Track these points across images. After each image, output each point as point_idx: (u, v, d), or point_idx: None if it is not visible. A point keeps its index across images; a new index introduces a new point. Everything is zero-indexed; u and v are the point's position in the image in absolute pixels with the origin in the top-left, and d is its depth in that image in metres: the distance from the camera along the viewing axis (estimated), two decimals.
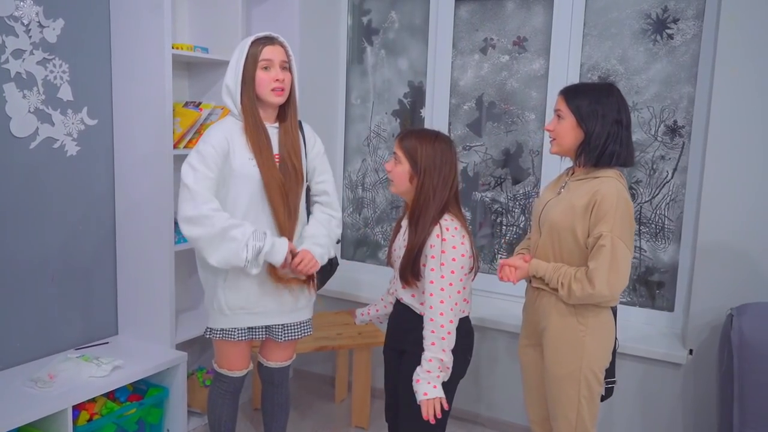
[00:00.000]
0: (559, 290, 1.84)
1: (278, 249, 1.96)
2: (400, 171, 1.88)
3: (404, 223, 1.99)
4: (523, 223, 3.03)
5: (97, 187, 2.59)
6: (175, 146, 2.54)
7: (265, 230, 1.96)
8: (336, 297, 3.21)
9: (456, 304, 1.80)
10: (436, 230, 1.81)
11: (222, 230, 1.89)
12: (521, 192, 3.02)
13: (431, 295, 1.79)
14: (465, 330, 1.90)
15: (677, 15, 2.60)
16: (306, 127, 2.19)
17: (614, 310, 1.93)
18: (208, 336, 2.13)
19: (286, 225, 2.02)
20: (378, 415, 2.88)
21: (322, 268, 2.23)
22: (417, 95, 3.24)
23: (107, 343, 2.64)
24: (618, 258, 1.75)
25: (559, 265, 1.87)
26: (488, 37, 3.01)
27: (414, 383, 1.77)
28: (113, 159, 2.63)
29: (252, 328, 2.12)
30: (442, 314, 1.77)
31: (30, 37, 2.29)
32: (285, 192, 2.01)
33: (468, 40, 3.05)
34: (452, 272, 1.79)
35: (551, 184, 2.07)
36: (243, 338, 2.11)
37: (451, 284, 1.78)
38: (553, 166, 2.78)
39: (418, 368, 1.78)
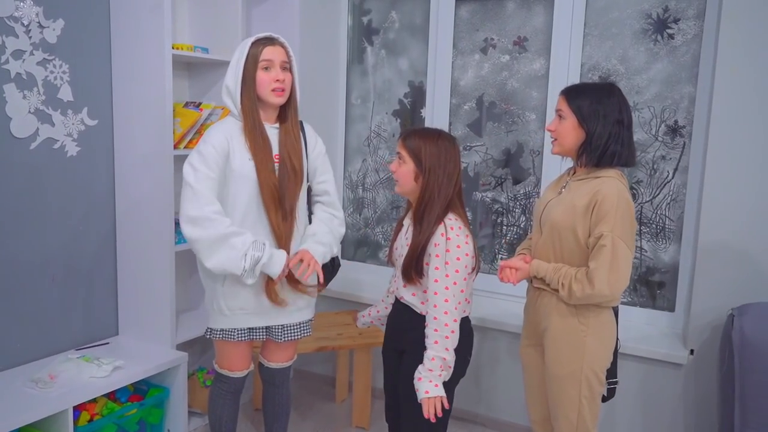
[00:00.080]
0: (560, 291, 1.84)
1: (276, 261, 1.97)
2: (404, 171, 1.89)
3: (406, 221, 2.00)
4: (523, 223, 3.03)
5: (98, 188, 2.59)
6: (176, 146, 2.53)
7: (264, 241, 1.97)
8: (337, 297, 3.21)
9: (459, 303, 1.81)
10: (441, 229, 1.82)
11: (223, 236, 1.90)
12: (522, 192, 3.02)
13: (435, 293, 1.79)
14: (465, 330, 1.90)
15: (678, 15, 2.60)
16: (307, 128, 2.19)
17: (616, 311, 1.92)
18: (208, 336, 2.13)
19: (280, 227, 2.02)
20: (379, 415, 2.88)
21: (324, 267, 2.23)
22: (417, 95, 3.24)
23: (108, 343, 2.64)
24: (618, 258, 1.75)
25: (559, 266, 1.87)
26: (489, 37, 3.01)
27: (415, 381, 1.78)
28: (113, 159, 2.63)
29: (252, 328, 2.12)
30: (446, 313, 1.77)
31: (30, 37, 2.29)
32: (279, 194, 2.01)
33: (468, 40, 3.05)
34: (456, 271, 1.79)
35: (552, 184, 2.06)
36: (243, 339, 2.11)
37: (455, 283, 1.79)
38: (554, 166, 2.78)
39: (420, 366, 1.78)
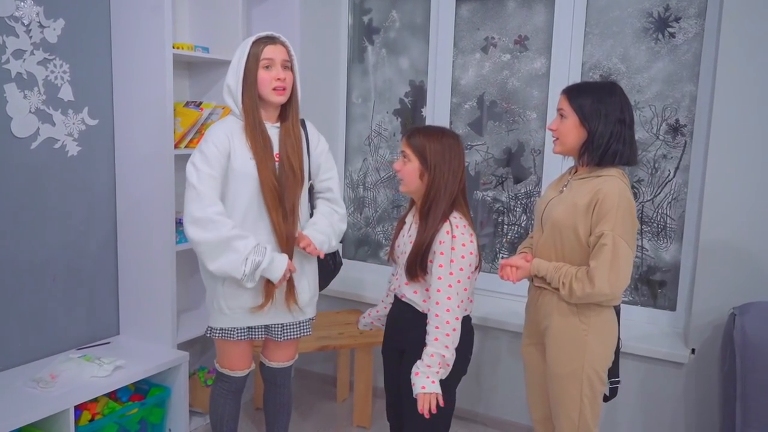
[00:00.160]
0: (561, 290, 1.84)
1: (277, 266, 1.97)
2: (409, 169, 1.89)
3: (408, 219, 2.00)
4: (524, 223, 3.03)
5: (98, 187, 2.59)
6: (176, 146, 2.53)
7: (267, 245, 1.97)
8: (337, 296, 3.21)
9: (462, 301, 1.81)
10: (446, 227, 1.82)
11: (226, 239, 1.90)
12: (523, 191, 3.01)
13: (438, 291, 1.79)
14: (466, 328, 1.90)
15: (679, 13, 2.59)
16: (309, 125, 2.19)
17: (617, 310, 1.92)
18: (208, 335, 2.13)
19: (281, 227, 2.02)
20: (380, 414, 2.88)
21: (326, 266, 2.23)
22: (418, 94, 3.23)
23: (109, 343, 2.64)
24: (619, 257, 1.75)
25: (560, 265, 1.87)
26: (489, 36, 3.00)
27: (413, 375, 1.78)
28: (114, 159, 2.63)
29: (251, 327, 2.12)
30: (448, 311, 1.77)
31: (30, 37, 2.29)
32: (280, 194, 2.01)
33: (469, 39, 3.05)
34: (461, 269, 1.80)
35: (554, 182, 2.06)
36: (242, 338, 2.11)
37: (459, 281, 1.79)
38: (555, 165, 2.78)
39: (419, 362, 1.78)
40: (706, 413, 2.49)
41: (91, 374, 2.29)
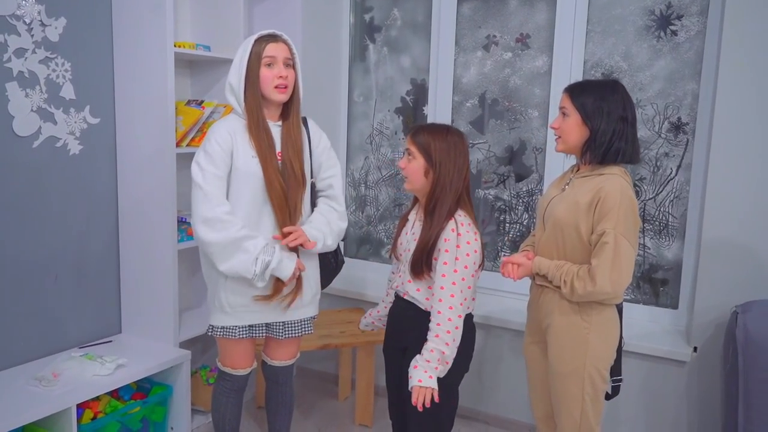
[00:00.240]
0: (562, 288, 1.84)
1: (286, 265, 1.98)
2: (414, 166, 1.89)
3: (411, 216, 2.00)
4: (526, 221, 3.03)
5: (100, 186, 2.59)
6: (178, 144, 2.53)
7: (275, 244, 1.97)
8: (339, 295, 3.21)
9: (465, 299, 1.82)
10: (451, 224, 1.83)
11: (236, 240, 1.91)
12: (525, 189, 3.01)
13: (442, 288, 1.79)
14: (468, 326, 1.90)
15: (681, 11, 2.59)
16: (311, 123, 2.18)
17: (620, 308, 1.92)
18: (210, 333, 2.13)
19: (286, 224, 2.02)
20: (382, 413, 2.88)
21: (328, 264, 2.23)
22: (420, 93, 3.23)
23: (111, 341, 2.64)
24: (621, 255, 1.75)
25: (561, 263, 1.86)
26: (491, 34, 3.00)
27: (411, 368, 1.78)
28: (116, 157, 2.63)
29: (252, 325, 2.12)
30: (451, 308, 1.77)
31: (32, 35, 2.29)
32: (285, 192, 2.01)
33: (471, 37, 3.04)
34: (465, 267, 1.80)
35: (556, 180, 2.06)
36: (243, 336, 2.11)
37: (463, 279, 1.80)
38: (557, 163, 2.77)
39: (418, 356, 1.79)
40: (709, 411, 2.49)
41: (93, 373, 2.29)
